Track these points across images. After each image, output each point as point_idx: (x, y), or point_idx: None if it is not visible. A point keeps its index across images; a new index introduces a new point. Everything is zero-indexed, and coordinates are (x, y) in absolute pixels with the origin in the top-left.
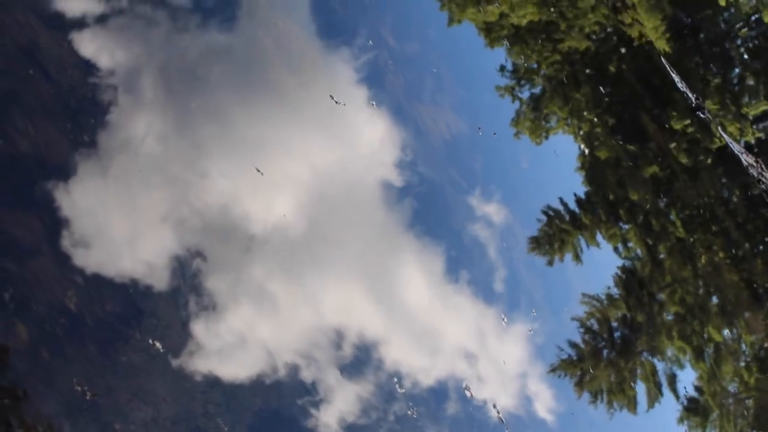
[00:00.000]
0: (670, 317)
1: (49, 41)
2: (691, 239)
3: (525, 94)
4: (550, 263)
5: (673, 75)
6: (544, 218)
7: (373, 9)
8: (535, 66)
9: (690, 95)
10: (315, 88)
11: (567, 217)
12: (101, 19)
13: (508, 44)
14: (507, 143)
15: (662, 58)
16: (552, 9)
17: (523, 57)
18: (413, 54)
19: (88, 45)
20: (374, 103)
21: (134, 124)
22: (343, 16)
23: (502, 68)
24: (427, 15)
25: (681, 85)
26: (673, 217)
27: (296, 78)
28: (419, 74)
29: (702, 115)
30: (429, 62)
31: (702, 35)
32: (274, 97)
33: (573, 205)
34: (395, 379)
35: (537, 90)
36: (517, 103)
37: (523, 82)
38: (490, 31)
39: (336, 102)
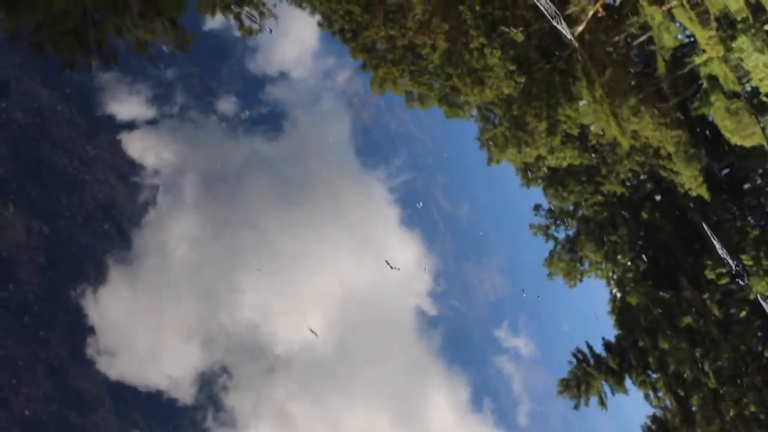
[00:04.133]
0: None
1: (94, 140)
2: (721, 390)
3: (560, 234)
4: (576, 407)
5: (708, 231)
6: (574, 360)
7: (409, 135)
8: (572, 208)
9: (724, 251)
10: (352, 205)
11: (592, 361)
12: (152, 122)
13: (545, 185)
14: (539, 281)
15: (697, 214)
16: (593, 154)
17: (559, 199)
18: (454, 181)
19: (135, 145)
20: (420, 203)
21: (171, 229)
22: (381, 139)
23: (537, 207)
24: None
25: (715, 240)
26: (705, 368)
27: (334, 194)
28: (456, 203)
29: (736, 269)
30: (467, 191)
31: (741, 187)
32: (312, 212)
33: (600, 349)
34: None
35: (571, 231)
36: (551, 243)
37: (558, 222)
38: (528, 172)
39: (391, 267)
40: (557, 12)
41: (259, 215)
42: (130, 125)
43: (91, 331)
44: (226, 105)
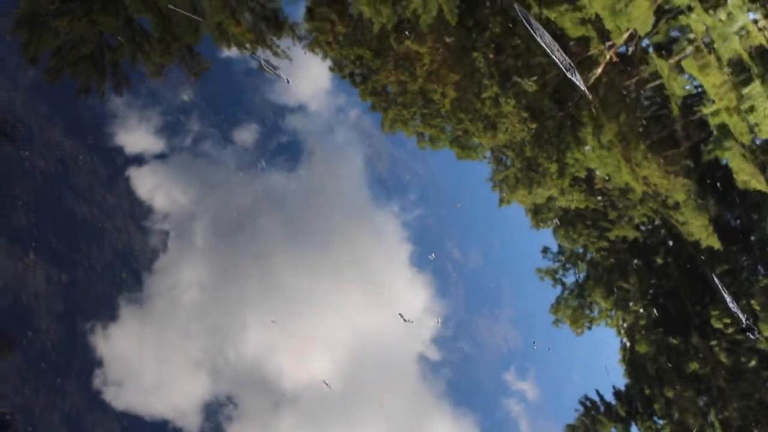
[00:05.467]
0: None
1: (114, 189)
2: None
3: (568, 278)
4: None
5: (718, 284)
6: (581, 408)
7: (423, 172)
8: (581, 250)
9: (734, 305)
10: (363, 244)
11: (602, 408)
12: (163, 156)
13: (555, 225)
14: (551, 332)
15: (707, 263)
16: (600, 198)
17: (569, 240)
18: (467, 226)
19: (146, 182)
20: (433, 255)
21: (182, 272)
22: (394, 176)
23: (545, 250)
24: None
25: (725, 293)
26: (711, 417)
27: (345, 233)
28: (468, 250)
29: (747, 322)
30: (480, 237)
31: (752, 237)
32: (322, 250)
33: (609, 398)
34: None
35: (580, 275)
36: (558, 288)
37: (568, 266)
38: (538, 212)
39: (404, 320)
40: (572, 64)
41: (269, 253)
42: (146, 167)
43: (101, 367)
44: (241, 137)
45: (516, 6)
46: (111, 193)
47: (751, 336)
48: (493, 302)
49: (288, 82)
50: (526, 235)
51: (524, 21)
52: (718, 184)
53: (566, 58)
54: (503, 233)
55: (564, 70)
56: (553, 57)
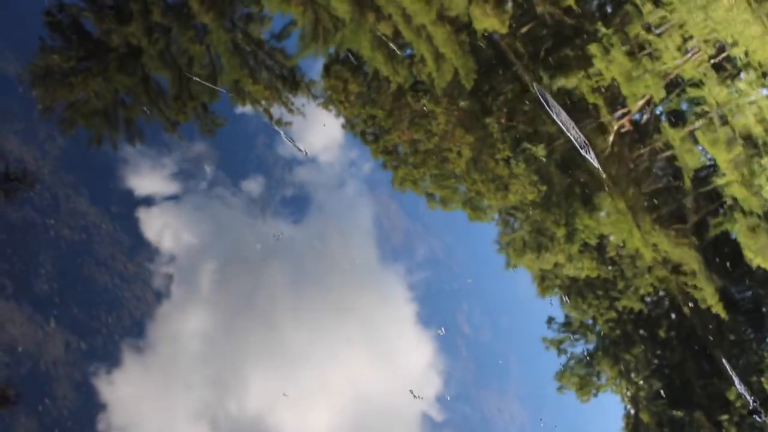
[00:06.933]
0: None
1: (135, 258)
2: None
3: (576, 349)
4: None
5: (726, 366)
6: None
7: (433, 233)
8: (590, 321)
9: (742, 387)
10: (368, 302)
11: None
12: (172, 198)
13: (562, 295)
14: (558, 404)
15: (713, 340)
16: (610, 267)
17: (578, 311)
18: (477, 296)
19: (154, 224)
20: (443, 330)
21: (184, 319)
22: (403, 235)
23: (550, 320)
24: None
25: (733, 375)
26: None
27: (352, 287)
28: (477, 324)
29: (752, 402)
30: (490, 306)
31: (764, 309)
32: (326, 305)
33: None
34: None
35: (589, 346)
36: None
37: (576, 336)
38: (544, 279)
39: (414, 396)
40: (586, 142)
41: (274, 307)
42: (155, 209)
43: (104, 413)
44: (250, 186)
45: (535, 85)
46: (132, 263)
47: (758, 419)
48: (502, 378)
49: (306, 154)
50: (534, 298)
51: (541, 99)
52: (727, 261)
53: (581, 135)
54: (511, 295)
55: (579, 147)
56: (569, 135)
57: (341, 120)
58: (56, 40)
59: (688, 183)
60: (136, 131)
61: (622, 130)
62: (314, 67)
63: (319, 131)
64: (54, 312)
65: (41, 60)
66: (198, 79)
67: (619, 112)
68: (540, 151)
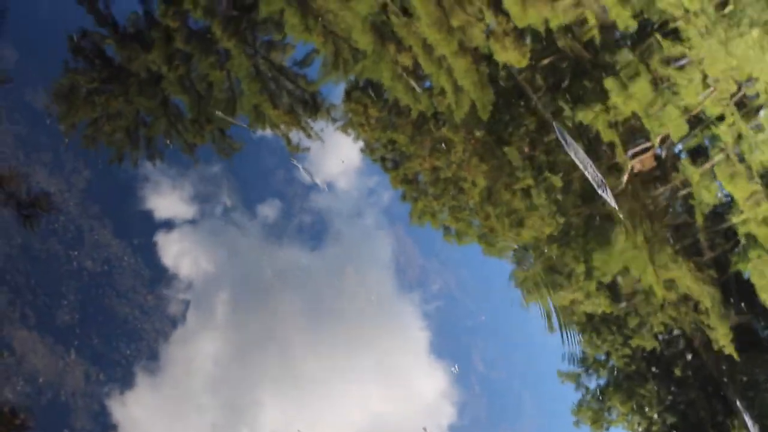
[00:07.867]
0: None
1: (155, 290)
2: None
3: (590, 383)
4: None
5: (739, 406)
6: None
7: (449, 269)
8: (604, 357)
9: (754, 425)
10: (382, 331)
11: None
12: (191, 222)
13: (578, 330)
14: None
15: (727, 380)
16: (624, 304)
17: (592, 347)
18: (490, 332)
19: (172, 249)
20: (456, 368)
21: (200, 346)
22: (419, 271)
23: (565, 356)
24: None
25: (746, 416)
26: None
27: (367, 316)
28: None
29: None
30: (504, 343)
31: None
32: (340, 332)
33: None
34: None
35: (602, 380)
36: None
37: (590, 371)
38: (558, 316)
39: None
40: (603, 181)
41: (288, 332)
42: (173, 234)
43: None
44: (267, 211)
45: (555, 124)
46: (153, 295)
47: None
48: (516, 415)
49: (326, 189)
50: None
51: (560, 137)
52: (751, 296)
53: (598, 174)
54: (525, 328)
55: (596, 186)
56: (586, 174)
57: (360, 145)
58: (79, 62)
59: (700, 220)
60: (156, 150)
61: (636, 169)
62: (335, 92)
63: (338, 157)
64: (75, 342)
65: (65, 80)
66: (219, 113)
67: (639, 148)
68: (558, 181)
